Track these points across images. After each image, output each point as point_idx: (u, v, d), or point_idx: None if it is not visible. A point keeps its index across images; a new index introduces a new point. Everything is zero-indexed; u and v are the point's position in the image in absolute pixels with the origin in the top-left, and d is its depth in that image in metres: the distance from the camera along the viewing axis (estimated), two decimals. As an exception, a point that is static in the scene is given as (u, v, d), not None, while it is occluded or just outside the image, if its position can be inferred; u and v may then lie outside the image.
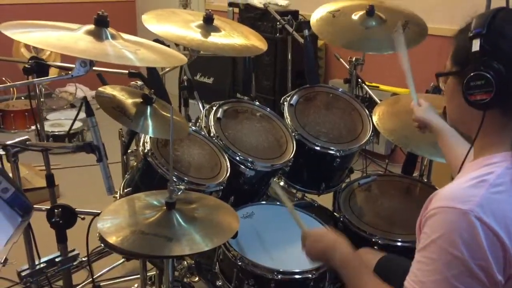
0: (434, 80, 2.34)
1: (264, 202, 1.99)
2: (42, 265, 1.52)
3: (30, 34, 1.28)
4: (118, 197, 1.74)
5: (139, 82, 1.92)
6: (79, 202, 1.63)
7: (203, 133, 1.93)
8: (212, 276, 1.94)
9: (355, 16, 2.27)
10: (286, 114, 2.13)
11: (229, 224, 1.38)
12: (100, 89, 1.51)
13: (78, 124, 4.08)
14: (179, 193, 1.39)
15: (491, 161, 0.96)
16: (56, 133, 3.91)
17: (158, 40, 1.65)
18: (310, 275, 1.62)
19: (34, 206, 1.49)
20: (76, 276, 2.45)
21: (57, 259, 1.55)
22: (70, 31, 1.37)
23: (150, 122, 1.52)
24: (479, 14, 1.00)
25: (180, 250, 1.24)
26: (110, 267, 2.53)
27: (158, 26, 1.83)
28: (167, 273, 1.44)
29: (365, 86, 2.54)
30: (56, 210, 1.48)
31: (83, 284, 2.40)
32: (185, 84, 2.47)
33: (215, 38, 1.90)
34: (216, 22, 1.98)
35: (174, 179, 1.59)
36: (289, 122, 2.10)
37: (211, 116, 1.96)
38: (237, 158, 1.87)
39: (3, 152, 1.39)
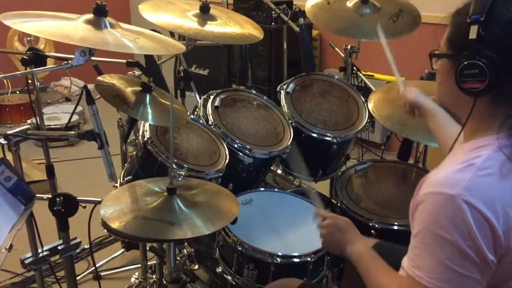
0: (428, 67, 2.37)
1: (262, 189, 2.02)
2: (45, 253, 1.54)
3: (31, 24, 1.29)
4: (118, 186, 1.76)
5: (137, 72, 1.93)
6: (77, 194, 1.65)
7: (201, 121, 1.95)
8: (212, 263, 1.97)
9: (350, 3, 2.29)
10: (283, 102, 2.16)
11: (229, 209, 1.41)
12: (99, 78, 1.53)
13: (74, 118, 4.09)
14: (180, 179, 1.41)
15: (479, 145, 0.98)
16: (53, 126, 3.91)
17: (154, 30, 1.66)
18: (309, 259, 1.65)
19: (37, 195, 1.51)
20: (76, 266, 2.46)
21: (59, 247, 1.56)
22: (69, 21, 1.38)
23: (149, 110, 1.54)
24: None
25: (182, 234, 1.26)
26: (110, 257, 2.55)
27: (155, 16, 1.84)
28: (169, 258, 1.47)
29: (360, 74, 2.56)
30: (58, 199, 1.50)
31: (84, 273, 2.43)
32: (182, 74, 2.48)
33: (212, 27, 1.92)
34: (212, 11, 2.00)
35: (174, 166, 1.62)
36: (286, 110, 2.12)
37: (209, 105, 1.98)
38: (235, 145, 1.89)
39: (5, 142, 1.40)
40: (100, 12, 1.38)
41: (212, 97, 2.04)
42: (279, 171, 2.42)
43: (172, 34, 2.12)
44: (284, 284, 1.39)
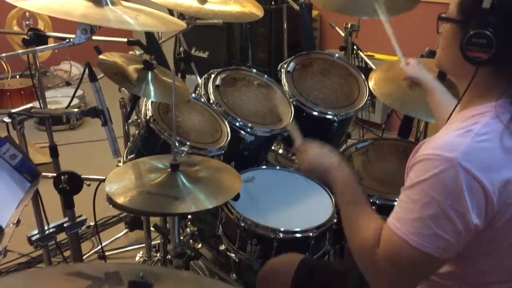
0: (428, 45, 2.38)
1: (264, 167, 2.04)
2: (51, 230, 1.56)
3: (32, 1, 1.29)
4: (121, 165, 1.77)
5: (137, 52, 1.93)
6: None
7: (202, 100, 1.96)
8: (215, 242, 1.99)
9: (349, -19, 2.28)
10: (284, 80, 2.16)
11: (232, 184, 1.42)
12: (101, 56, 1.53)
13: (75, 101, 4.09)
14: (183, 155, 1.42)
15: (477, 112, 0.99)
16: (54, 114, 3.90)
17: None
18: (311, 234, 1.68)
19: (42, 173, 1.53)
20: (81, 247, 2.50)
21: (65, 224, 1.58)
22: (70, -1, 1.38)
23: (151, 87, 1.55)
24: None
25: (186, 208, 1.28)
26: (114, 238, 2.58)
27: (155, -6, 1.84)
28: (173, 233, 1.49)
29: (360, 53, 2.57)
30: (62, 177, 1.52)
31: (89, 253, 2.46)
32: (182, 55, 2.48)
33: (212, 5, 1.91)
34: (212, -11, 1.99)
35: (177, 143, 1.63)
36: (287, 89, 2.13)
37: (210, 84, 1.99)
38: (237, 124, 1.91)
39: (9, 120, 1.41)
40: (100, -11, 1.38)
41: (213, 76, 2.04)
42: (280, 151, 2.44)
43: (171, 13, 2.11)
44: (287, 259, 1.41)
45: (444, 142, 0.95)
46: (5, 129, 1.49)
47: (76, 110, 1.38)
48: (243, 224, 1.68)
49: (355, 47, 2.55)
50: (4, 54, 1.42)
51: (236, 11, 1.96)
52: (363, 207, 1.12)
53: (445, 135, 0.97)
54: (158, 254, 2.22)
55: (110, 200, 1.30)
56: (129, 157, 1.73)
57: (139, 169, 1.44)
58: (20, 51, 1.44)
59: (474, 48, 0.96)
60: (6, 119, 1.40)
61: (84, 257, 2.40)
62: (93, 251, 2.48)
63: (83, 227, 1.63)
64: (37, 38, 1.67)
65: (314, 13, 4.04)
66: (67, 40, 1.35)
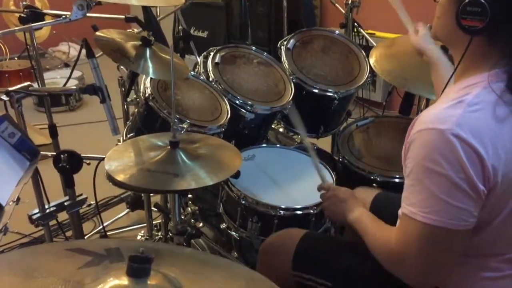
0: (430, 22, 2.35)
1: (264, 145, 2.03)
2: (51, 209, 1.56)
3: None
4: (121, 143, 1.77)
5: (136, 30, 1.91)
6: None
7: (202, 77, 1.94)
8: (216, 221, 2.00)
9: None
10: (284, 58, 2.14)
11: (232, 161, 1.41)
12: (98, 33, 1.51)
13: (74, 82, 4.07)
14: (182, 132, 1.41)
15: (469, 83, 0.99)
16: (52, 92, 3.88)
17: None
18: (311, 211, 1.68)
19: (42, 153, 1.52)
20: (83, 226, 2.51)
21: (66, 203, 1.58)
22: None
23: (150, 64, 1.53)
24: None
25: (186, 185, 1.27)
26: (115, 218, 2.59)
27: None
28: (174, 210, 1.49)
29: (361, 30, 2.54)
30: (62, 156, 1.51)
31: (91, 233, 2.47)
32: (181, 34, 2.46)
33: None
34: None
35: (176, 121, 1.62)
36: (287, 66, 2.11)
37: (209, 61, 1.97)
38: (237, 101, 1.89)
39: (7, 98, 1.40)
40: (96, -36, 1.36)
41: (212, 54, 2.02)
42: (281, 129, 2.43)
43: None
44: (288, 233, 1.41)
45: (436, 115, 0.95)
46: (3, 108, 1.49)
47: (74, 87, 1.36)
48: (243, 202, 1.68)
49: (355, 24, 2.51)
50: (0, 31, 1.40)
51: (235, -13, 1.93)
52: (378, 224, 1.16)
53: (437, 108, 0.97)
54: (159, 233, 2.23)
55: (110, 178, 1.30)
56: (128, 135, 1.72)
57: (138, 147, 1.43)
58: (17, 28, 1.42)
59: (468, 16, 0.96)
60: (4, 97, 1.39)
61: (86, 237, 2.42)
62: (95, 231, 2.49)
63: (84, 206, 1.63)
64: (33, 15, 1.66)
65: (315, -10, 3.99)
66: (63, 17, 1.33)
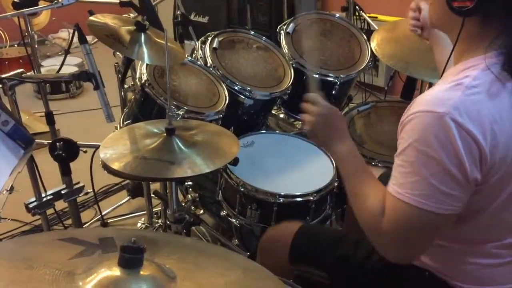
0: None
1: (264, 131, 2.00)
2: (48, 197, 1.55)
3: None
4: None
5: (132, 15, 1.87)
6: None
7: (199, 63, 1.91)
8: (217, 208, 1.98)
9: None
10: (283, 43, 2.11)
11: (230, 148, 1.39)
12: (91, 18, 1.48)
13: (73, 69, 4.04)
14: (178, 118, 1.39)
15: (467, 66, 0.96)
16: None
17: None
18: (311, 198, 1.65)
19: (37, 141, 1.50)
20: (84, 214, 2.51)
21: (63, 192, 1.57)
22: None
23: (145, 49, 1.50)
24: None
25: (182, 172, 1.25)
26: (116, 205, 2.58)
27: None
28: (171, 198, 1.47)
29: (363, 14, 2.49)
30: (58, 144, 1.49)
31: (92, 221, 2.46)
32: (179, 19, 2.42)
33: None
34: None
35: (173, 108, 1.60)
36: (286, 51, 2.07)
37: (207, 47, 1.94)
38: (235, 87, 1.86)
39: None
40: None
41: (210, 39, 1.99)
42: (281, 115, 2.40)
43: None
44: (285, 227, 1.40)
45: (434, 97, 0.93)
46: (-2, 96, 1.47)
47: (67, 73, 1.33)
48: (242, 189, 1.66)
49: (357, 7, 2.47)
50: (-9, 17, 1.37)
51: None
52: (366, 177, 1.09)
53: (435, 91, 0.95)
54: (159, 221, 2.22)
55: (105, 166, 1.28)
56: (125, 123, 1.70)
57: (134, 134, 1.41)
58: (9, 13, 1.39)
59: None
60: (-3, 84, 1.36)
61: (86, 225, 2.42)
62: (95, 219, 2.49)
63: (81, 194, 1.62)
64: (27, 1, 1.62)
65: (316, -27, 3.93)
66: (56, 1, 1.30)
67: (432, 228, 0.96)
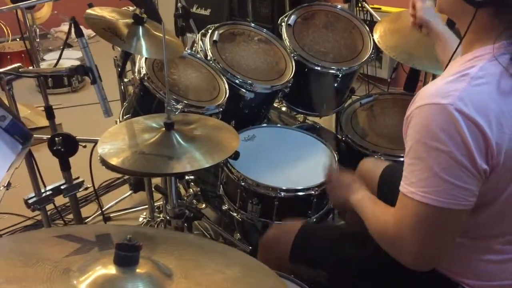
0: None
1: (265, 125, 1.99)
2: (48, 193, 1.54)
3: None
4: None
5: (131, 8, 1.85)
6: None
7: (199, 56, 1.89)
8: (219, 202, 1.97)
9: None
10: (284, 35, 2.08)
11: (230, 142, 1.37)
12: (88, 11, 1.46)
13: (75, 63, 4.02)
14: (177, 112, 1.37)
15: (474, 56, 0.94)
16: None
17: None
18: (313, 192, 1.64)
19: (36, 136, 1.49)
20: (86, 209, 2.51)
21: (62, 187, 1.56)
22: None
23: (143, 43, 1.48)
24: None
25: (181, 168, 1.24)
26: (118, 199, 2.58)
27: None
28: (170, 193, 1.46)
29: (366, 5, 2.46)
30: (57, 139, 1.48)
31: (94, 215, 2.46)
32: (180, 11, 2.40)
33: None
34: None
35: (172, 102, 1.58)
36: (288, 43, 2.05)
37: (207, 40, 1.91)
38: (236, 81, 1.84)
39: (-4, 80, 1.36)
40: None
41: (210, 31, 1.96)
42: (283, 108, 2.38)
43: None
44: (287, 227, 1.39)
45: (437, 89, 0.91)
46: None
47: (64, 68, 1.31)
48: (243, 184, 1.65)
49: (360, -2, 2.44)
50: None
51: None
52: (380, 206, 1.12)
53: (440, 82, 0.93)
54: (161, 215, 2.21)
55: (103, 162, 1.26)
56: (125, 117, 1.68)
57: (132, 129, 1.39)
58: (5, 7, 1.37)
59: None
60: (-7, 79, 1.35)
61: (89, 219, 2.42)
62: (97, 214, 2.48)
63: (81, 190, 1.61)
64: (24, -6, 1.60)
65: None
66: (51, -6, 1.27)
67: (444, 225, 0.93)
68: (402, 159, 1.82)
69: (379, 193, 1.40)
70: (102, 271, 0.78)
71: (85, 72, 1.25)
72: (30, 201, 1.50)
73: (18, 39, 4.59)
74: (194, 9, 4.15)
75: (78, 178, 1.61)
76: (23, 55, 4.24)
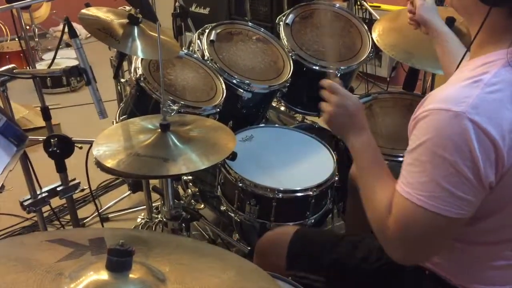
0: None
1: (263, 125, 1.97)
2: (43, 194, 1.53)
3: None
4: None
5: (128, 8, 1.84)
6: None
7: (196, 56, 1.87)
8: (217, 202, 1.96)
9: None
10: (282, 34, 2.06)
11: (226, 143, 1.36)
12: (83, 11, 1.45)
13: (74, 62, 4.01)
14: (173, 114, 1.36)
15: (487, 61, 0.90)
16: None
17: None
18: (311, 193, 1.62)
19: (31, 137, 1.48)
20: (85, 209, 2.50)
21: (58, 188, 1.55)
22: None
23: (138, 43, 1.46)
24: None
25: (176, 170, 1.22)
26: (117, 199, 2.57)
27: None
28: (167, 195, 1.45)
29: (364, 3, 2.44)
30: (52, 140, 1.47)
31: (92, 216, 2.45)
32: (178, 11, 2.38)
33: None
34: None
35: (169, 103, 1.57)
36: (286, 43, 2.03)
37: (204, 39, 1.90)
38: (234, 81, 1.83)
39: (-10, 82, 1.35)
40: None
41: (207, 31, 1.95)
42: (282, 108, 2.36)
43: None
44: (282, 231, 1.37)
45: (451, 95, 0.87)
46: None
47: (58, 69, 1.30)
48: (241, 185, 1.64)
49: (358, -4, 2.42)
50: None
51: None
52: (378, 171, 1.04)
53: (452, 87, 0.89)
54: (159, 216, 2.20)
55: (98, 164, 1.25)
56: (121, 118, 1.67)
57: (128, 130, 1.38)
58: (1, 6, 1.36)
59: None
60: (-13, 81, 1.33)
61: (87, 219, 2.41)
62: (95, 214, 2.47)
63: (77, 191, 1.60)
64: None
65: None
66: (45, -6, 1.26)
67: (438, 230, 0.91)
68: (401, 159, 1.81)
69: None
70: (94, 277, 0.76)
71: (79, 73, 1.24)
72: (25, 203, 1.49)
73: (16, 39, 4.58)
74: (193, 8, 4.14)
75: (74, 179, 1.59)
76: (21, 54, 4.23)
